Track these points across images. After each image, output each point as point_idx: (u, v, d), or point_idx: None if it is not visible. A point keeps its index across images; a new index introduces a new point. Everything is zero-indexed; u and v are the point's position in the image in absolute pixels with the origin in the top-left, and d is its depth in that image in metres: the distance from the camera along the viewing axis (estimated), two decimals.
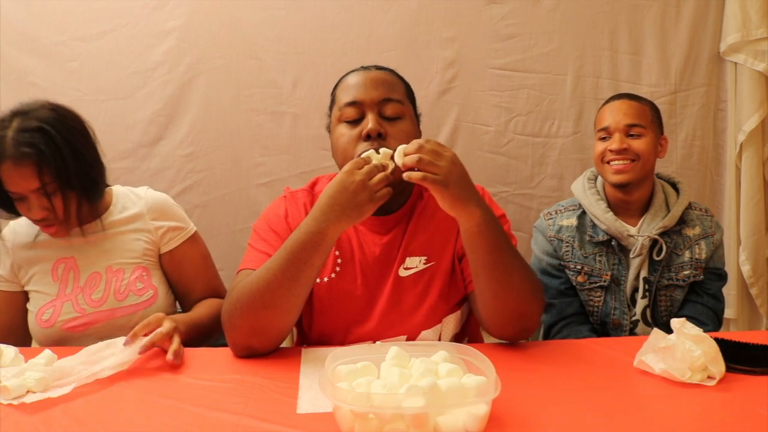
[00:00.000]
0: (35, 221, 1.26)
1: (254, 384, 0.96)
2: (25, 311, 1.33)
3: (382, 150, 1.05)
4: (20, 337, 1.34)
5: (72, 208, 1.25)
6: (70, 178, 1.21)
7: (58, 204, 1.22)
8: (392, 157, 1.03)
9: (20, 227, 1.35)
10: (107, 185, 1.36)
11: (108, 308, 1.29)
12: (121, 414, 0.87)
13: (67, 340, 1.27)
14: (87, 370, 0.98)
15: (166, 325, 1.08)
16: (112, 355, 1.02)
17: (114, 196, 1.38)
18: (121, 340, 1.05)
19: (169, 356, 1.04)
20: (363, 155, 1.04)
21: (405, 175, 0.99)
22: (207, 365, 1.05)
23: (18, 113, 1.21)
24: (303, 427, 0.82)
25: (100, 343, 1.04)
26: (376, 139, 1.12)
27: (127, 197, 1.39)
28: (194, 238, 1.42)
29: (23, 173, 1.17)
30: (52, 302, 1.29)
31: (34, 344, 1.36)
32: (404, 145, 1.01)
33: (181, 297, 1.42)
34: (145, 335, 1.06)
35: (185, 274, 1.39)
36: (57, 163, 1.19)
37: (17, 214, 1.28)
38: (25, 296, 1.34)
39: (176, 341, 1.07)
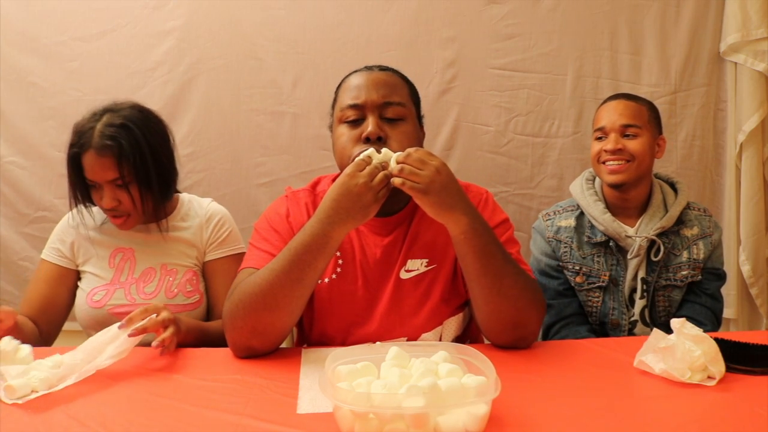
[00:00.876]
0: (105, 210, 1.34)
1: (254, 384, 0.96)
2: (72, 289, 1.39)
3: (383, 149, 1.05)
4: (57, 314, 1.37)
5: (142, 202, 1.32)
6: (147, 174, 1.30)
7: (134, 195, 1.31)
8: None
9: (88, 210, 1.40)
10: (177, 191, 1.46)
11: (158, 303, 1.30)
12: (121, 414, 0.87)
13: (110, 325, 1.28)
14: (89, 363, 0.98)
15: (163, 314, 1.09)
16: (110, 342, 1.02)
17: (179, 202, 1.46)
18: (117, 325, 1.04)
19: (154, 343, 1.04)
20: (364, 153, 1.05)
21: (390, 180, 1.02)
22: (207, 365, 1.05)
23: (108, 110, 1.32)
24: (303, 427, 0.82)
25: (98, 333, 1.04)
26: (376, 142, 1.12)
27: (191, 205, 1.46)
28: (237, 259, 1.42)
29: (103, 164, 1.27)
30: (105, 286, 1.36)
31: (69, 325, 1.40)
32: (399, 152, 1.03)
33: (208, 310, 1.42)
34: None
35: (214, 287, 1.41)
36: (135, 158, 1.28)
37: (92, 203, 1.37)
38: (76, 275, 1.40)
39: (169, 331, 1.07)
